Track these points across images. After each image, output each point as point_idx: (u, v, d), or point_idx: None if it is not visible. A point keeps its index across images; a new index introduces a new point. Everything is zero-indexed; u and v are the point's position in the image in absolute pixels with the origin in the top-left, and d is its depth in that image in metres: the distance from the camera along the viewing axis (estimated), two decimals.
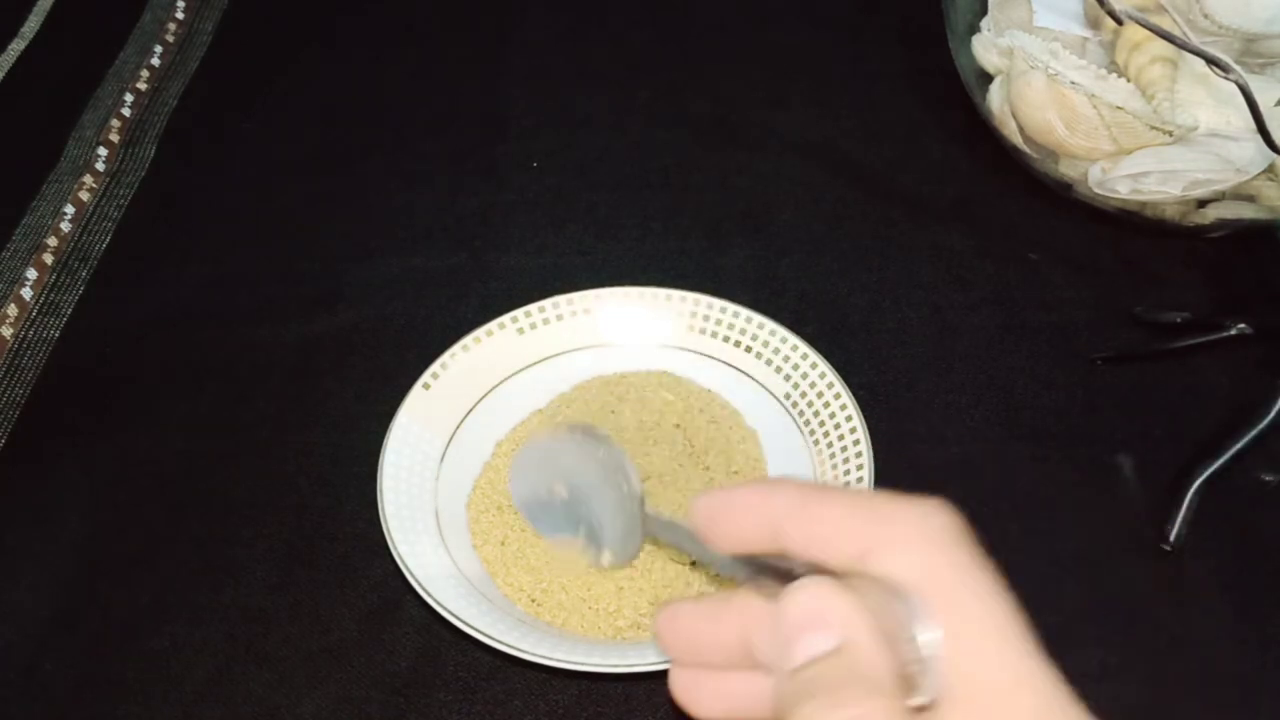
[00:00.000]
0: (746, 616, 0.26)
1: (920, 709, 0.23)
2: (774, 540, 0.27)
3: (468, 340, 0.49)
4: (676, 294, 0.50)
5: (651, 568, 0.43)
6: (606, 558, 0.38)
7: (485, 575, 0.43)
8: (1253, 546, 0.45)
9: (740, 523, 0.27)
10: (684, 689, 0.28)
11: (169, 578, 0.46)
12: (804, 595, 0.24)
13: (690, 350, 0.50)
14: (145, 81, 0.70)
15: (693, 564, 0.43)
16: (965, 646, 0.24)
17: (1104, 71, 0.53)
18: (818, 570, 0.25)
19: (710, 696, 0.28)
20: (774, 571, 0.26)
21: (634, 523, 0.36)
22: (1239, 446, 0.45)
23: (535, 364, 0.50)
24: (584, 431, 0.38)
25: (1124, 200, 0.55)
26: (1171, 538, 0.45)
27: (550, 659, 0.38)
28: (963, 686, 0.23)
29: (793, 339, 0.48)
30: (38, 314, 0.56)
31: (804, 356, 0.47)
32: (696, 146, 0.64)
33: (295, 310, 0.56)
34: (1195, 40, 0.47)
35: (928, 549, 0.25)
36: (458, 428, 0.47)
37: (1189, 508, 0.45)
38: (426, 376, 0.47)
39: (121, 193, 0.63)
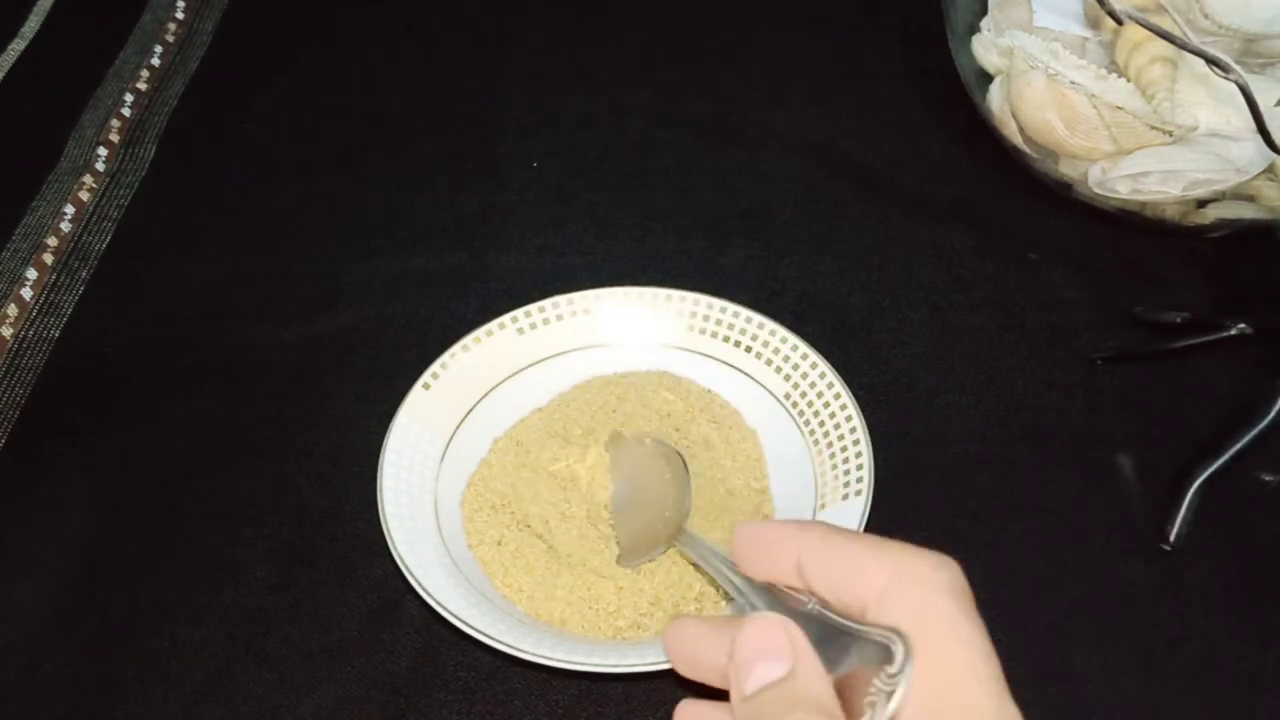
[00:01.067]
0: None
1: None
2: (798, 575, 0.30)
3: (468, 340, 0.49)
4: (676, 294, 0.50)
5: (654, 570, 0.43)
6: (617, 555, 0.43)
7: (484, 576, 0.43)
8: (1253, 546, 0.45)
9: (771, 554, 0.31)
10: (684, 714, 0.32)
11: (169, 578, 0.46)
12: (757, 627, 0.28)
13: (690, 350, 0.50)
14: (145, 81, 0.70)
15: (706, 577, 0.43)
16: (941, 682, 0.26)
17: (1104, 71, 0.53)
18: (828, 607, 0.29)
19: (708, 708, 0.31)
20: (786, 605, 0.30)
21: (657, 535, 0.41)
22: (1239, 446, 0.45)
23: (535, 364, 0.50)
24: (657, 443, 0.44)
25: (1124, 200, 0.55)
26: (1171, 538, 0.45)
27: (550, 659, 0.38)
28: (928, 706, 0.26)
29: (793, 339, 0.48)
30: (38, 314, 0.56)
31: (804, 356, 0.47)
32: (696, 146, 0.64)
33: (295, 310, 0.56)
34: (1195, 40, 0.47)
35: (931, 600, 0.28)
36: (458, 428, 0.47)
37: (1189, 508, 0.45)
38: (426, 376, 0.47)
39: (121, 193, 0.63)
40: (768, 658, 0.27)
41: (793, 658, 0.27)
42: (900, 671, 0.26)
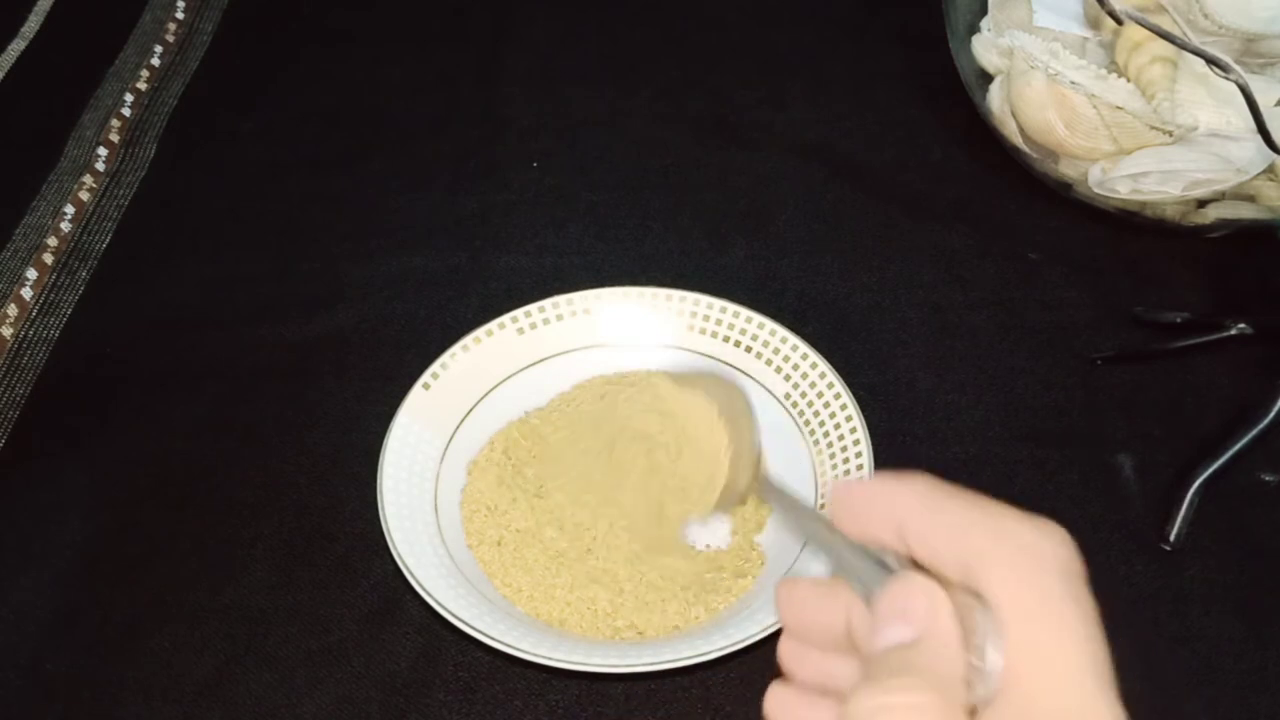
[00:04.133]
0: (854, 602, 0.28)
1: (970, 712, 0.24)
2: (898, 535, 0.28)
3: (468, 340, 0.49)
4: (676, 294, 0.50)
5: (653, 569, 0.43)
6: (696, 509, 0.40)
7: (484, 576, 0.43)
8: (1253, 546, 0.45)
9: (870, 512, 0.29)
10: (789, 657, 0.30)
11: (169, 578, 0.46)
12: (899, 588, 0.26)
13: (690, 350, 0.50)
14: (145, 81, 0.70)
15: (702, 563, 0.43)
16: (1034, 669, 0.24)
17: (1104, 71, 0.53)
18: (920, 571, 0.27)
19: (811, 668, 0.30)
20: (877, 566, 0.28)
21: (722, 475, 0.38)
22: (1239, 446, 0.45)
23: (535, 364, 0.50)
24: (722, 375, 0.40)
25: (1124, 200, 0.55)
26: (1171, 538, 0.45)
27: (550, 659, 0.38)
28: (1019, 703, 0.24)
29: (793, 339, 0.48)
30: (38, 314, 0.56)
31: (804, 356, 0.47)
32: (696, 146, 0.64)
33: (295, 310, 0.56)
34: (1195, 40, 0.47)
35: (1032, 572, 0.25)
36: (458, 428, 0.47)
37: (1189, 508, 0.45)
38: (426, 376, 0.47)
39: (121, 193, 0.63)
40: (904, 619, 0.26)
41: (925, 623, 0.25)
42: (996, 651, 0.24)
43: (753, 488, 0.38)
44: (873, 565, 0.28)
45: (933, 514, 0.27)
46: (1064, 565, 0.26)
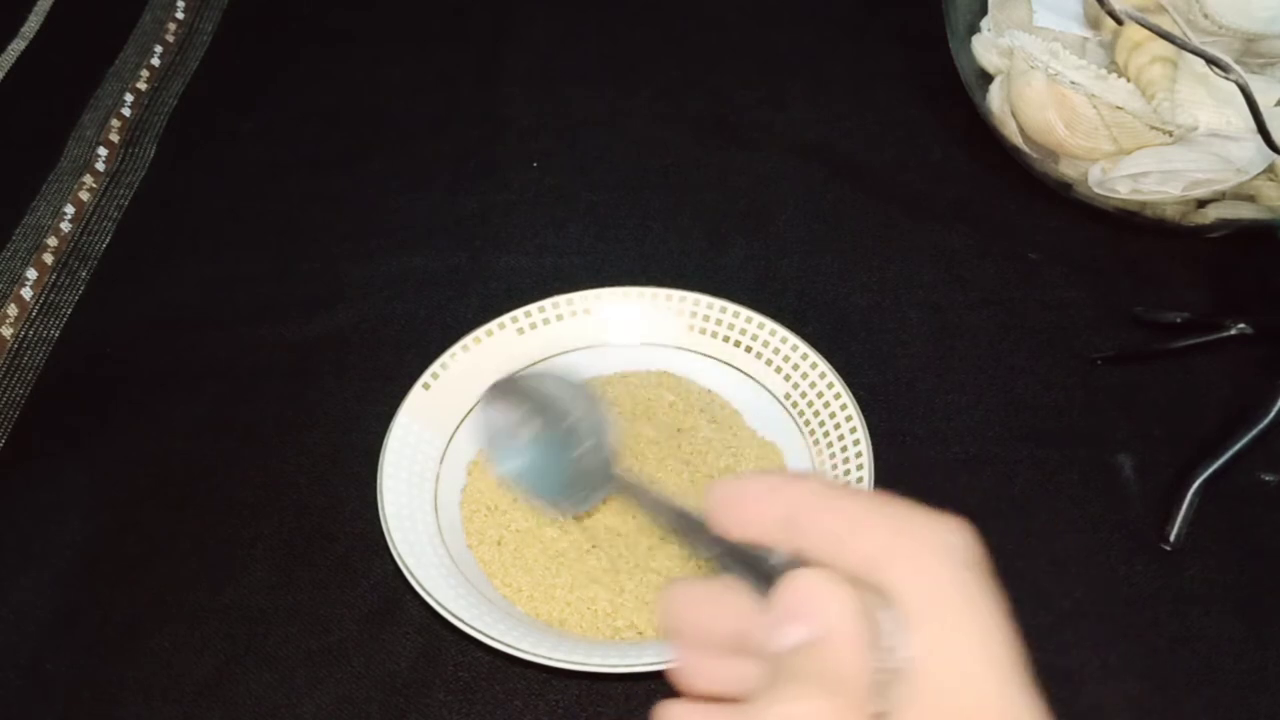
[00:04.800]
0: (746, 603, 0.27)
1: (878, 716, 0.23)
2: (786, 532, 0.26)
3: (468, 340, 0.49)
4: (676, 294, 0.50)
5: (655, 570, 0.43)
6: (560, 503, 0.39)
7: (484, 576, 0.43)
8: (1253, 546, 0.45)
9: (756, 510, 0.27)
10: (681, 667, 0.29)
11: (169, 578, 0.46)
12: (797, 584, 0.25)
13: (690, 350, 0.50)
14: (145, 81, 0.70)
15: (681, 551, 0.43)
16: (945, 665, 0.24)
17: (1104, 71, 0.53)
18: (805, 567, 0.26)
19: (706, 677, 0.28)
20: (754, 566, 0.27)
21: (591, 475, 0.37)
22: (1239, 446, 0.45)
23: (535, 364, 0.49)
24: (560, 374, 0.39)
25: (1124, 200, 0.55)
26: (1171, 538, 0.45)
27: (550, 659, 0.38)
28: (932, 701, 0.23)
29: (793, 339, 0.48)
30: (38, 314, 0.56)
31: (804, 356, 0.47)
32: (696, 146, 0.64)
33: (295, 310, 0.56)
34: (1195, 40, 0.47)
35: (935, 566, 0.25)
36: (458, 428, 0.47)
37: (1189, 508, 0.45)
38: (426, 376, 0.47)
39: (121, 193, 0.63)
40: (804, 617, 0.24)
41: (825, 622, 0.24)
42: (904, 648, 0.23)
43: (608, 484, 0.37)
44: (760, 564, 0.27)
45: (830, 510, 0.26)
46: (967, 558, 0.25)
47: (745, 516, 0.27)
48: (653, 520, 0.33)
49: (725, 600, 0.27)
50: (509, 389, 0.40)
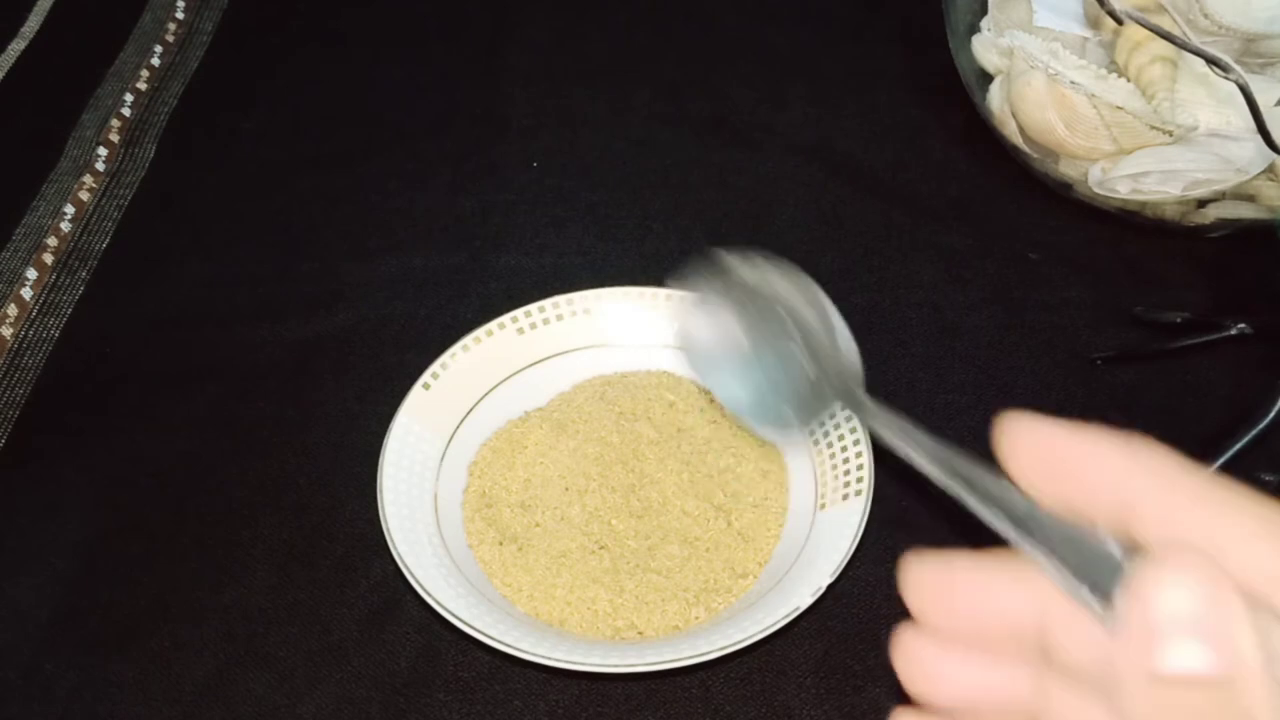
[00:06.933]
0: (1042, 591, 0.21)
1: None
2: (1118, 515, 0.21)
3: (468, 340, 0.49)
4: (676, 294, 0.50)
5: (655, 571, 0.43)
6: (788, 416, 0.32)
7: (484, 576, 0.43)
8: None
9: (1082, 475, 0.21)
10: (919, 662, 0.23)
11: (169, 578, 0.46)
12: (1192, 586, 0.18)
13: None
14: (145, 81, 0.70)
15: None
16: None
17: (1104, 71, 0.53)
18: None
19: (949, 679, 0.22)
20: (1075, 543, 0.20)
21: (819, 385, 0.31)
22: (1239, 446, 0.45)
23: (535, 364, 0.50)
24: (784, 267, 0.33)
25: (1124, 200, 0.55)
26: None
27: (550, 659, 0.38)
28: None
29: None
30: (38, 314, 0.56)
31: None
32: (696, 146, 0.64)
33: (295, 310, 0.56)
34: (1195, 40, 0.47)
35: None
36: (458, 428, 0.47)
37: None
38: (426, 376, 0.47)
39: (121, 193, 0.63)
40: (1202, 636, 0.18)
41: (1234, 648, 0.18)
42: None
43: (834, 395, 0.31)
44: (1087, 542, 0.20)
45: (1199, 506, 0.20)
46: None
47: (1061, 476, 0.21)
48: (908, 459, 0.26)
49: (1018, 585, 0.21)
50: (725, 287, 0.34)
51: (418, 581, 0.40)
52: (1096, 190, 0.55)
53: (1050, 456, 0.22)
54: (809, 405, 0.32)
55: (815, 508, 0.44)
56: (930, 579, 0.23)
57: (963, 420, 0.50)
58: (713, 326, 0.34)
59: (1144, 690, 0.18)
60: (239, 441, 0.50)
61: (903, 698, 0.23)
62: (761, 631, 0.38)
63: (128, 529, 0.47)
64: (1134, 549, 0.20)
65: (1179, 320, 0.52)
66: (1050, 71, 0.53)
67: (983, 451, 0.50)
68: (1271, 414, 0.45)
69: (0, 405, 0.52)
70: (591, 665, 0.38)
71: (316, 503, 0.48)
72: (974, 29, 0.59)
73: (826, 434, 0.45)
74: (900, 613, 0.24)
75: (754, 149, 0.64)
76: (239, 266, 0.59)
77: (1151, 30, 0.47)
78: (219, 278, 0.58)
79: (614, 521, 0.44)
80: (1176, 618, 0.18)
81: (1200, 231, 0.56)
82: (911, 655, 0.23)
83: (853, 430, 0.44)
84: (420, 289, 0.56)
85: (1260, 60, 0.52)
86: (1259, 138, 0.46)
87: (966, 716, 0.22)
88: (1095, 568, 0.20)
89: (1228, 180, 0.51)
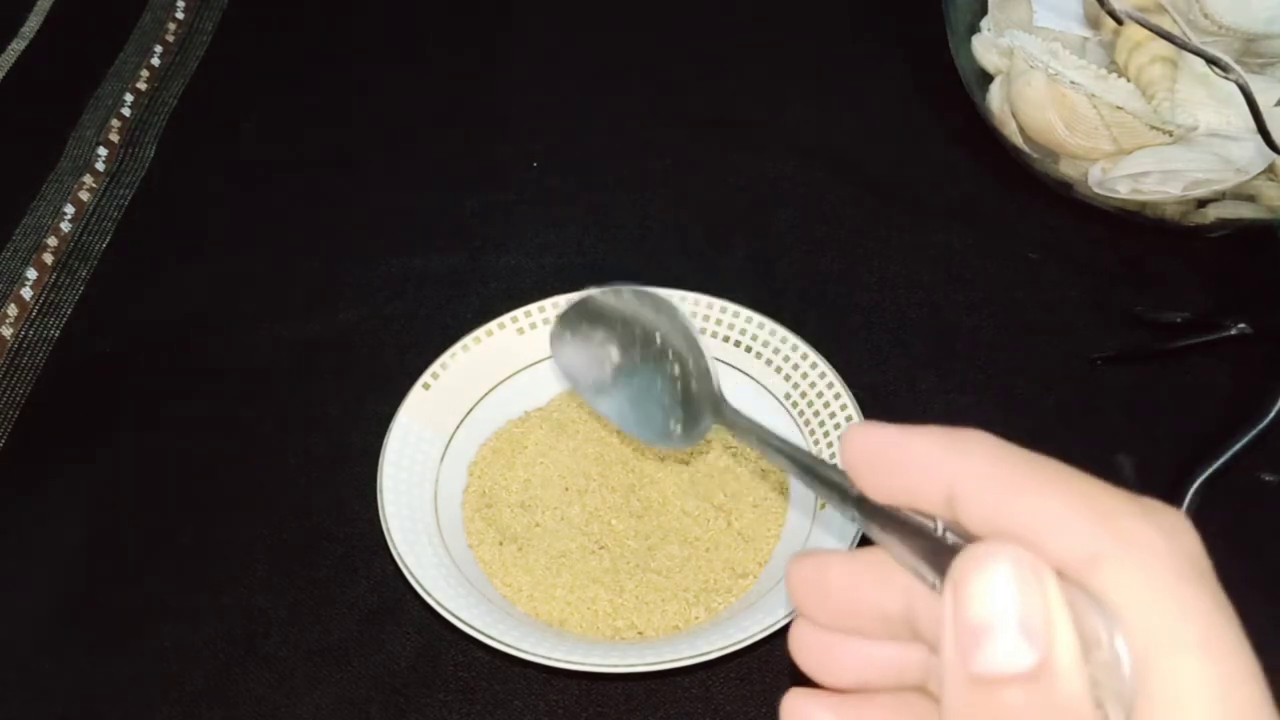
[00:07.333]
0: (899, 579, 0.22)
1: None
2: (947, 507, 0.21)
3: (468, 340, 0.49)
4: (677, 294, 0.50)
5: (656, 571, 0.43)
6: (674, 430, 0.34)
7: (484, 576, 0.43)
8: (1252, 546, 0.45)
9: (910, 475, 0.22)
10: (810, 649, 0.24)
11: (169, 578, 0.46)
12: (999, 581, 0.19)
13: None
14: (145, 81, 0.70)
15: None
16: (1182, 695, 0.19)
17: (1104, 71, 0.53)
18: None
19: (842, 663, 0.24)
20: (913, 534, 0.22)
21: (698, 402, 0.33)
22: (1239, 446, 0.45)
23: (535, 364, 0.50)
24: (645, 293, 0.34)
25: (1124, 200, 0.55)
26: None
27: (550, 659, 0.38)
28: None
29: (793, 339, 0.48)
30: (38, 314, 0.56)
31: (804, 356, 0.47)
32: (696, 146, 0.64)
33: (295, 310, 0.56)
34: (1195, 40, 0.47)
35: (1165, 574, 0.19)
36: (458, 428, 0.47)
37: (1189, 507, 0.45)
38: (426, 376, 0.47)
39: (121, 193, 0.63)
40: (1009, 628, 0.18)
41: (1048, 641, 0.18)
42: (1109, 663, 0.18)
43: (712, 411, 0.32)
44: (922, 533, 0.22)
45: (1014, 489, 0.21)
46: (1205, 565, 0.20)
47: (894, 479, 0.23)
48: (774, 463, 0.28)
49: (884, 578, 0.23)
50: (584, 312, 0.35)
51: (418, 581, 0.40)
52: (1096, 190, 0.55)
53: (883, 457, 0.23)
54: (688, 420, 0.34)
55: (815, 508, 0.44)
56: (810, 577, 0.24)
57: (962, 420, 0.49)
58: (587, 354, 0.36)
59: (964, 692, 0.19)
60: (239, 441, 0.50)
61: (800, 680, 0.25)
62: (761, 631, 0.38)
63: (128, 529, 0.47)
64: (967, 539, 0.21)
65: (1179, 320, 0.52)
66: (1050, 71, 0.53)
67: None
68: (1271, 414, 0.45)
69: (0, 405, 0.52)
70: (591, 665, 0.38)
71: (316, 503, 0.48)
72: (974, 29, 0.59)
73: (826, 434, 0.45)
74: None
75: (754, 149, 0.64)
76: (239, 267, 0.59)
77: (1151, 30, 0.47)
78: (218, 278, 0.58)
79: (614, 521, 0.44)
80: (990, 615, 0.18)
81: (1200, 231, 0.56)
82: (802, 644, 0.24)
83: None
84: (420, 289, 0.56)
85: (1260, 60, 0.52)
86: (1259, 138, 0.46)
87: (862, 693, 0.24)
88: (937, 553, 0.21)
89: (1228, 180, 0.52)
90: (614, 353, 0.36)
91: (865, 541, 0.27)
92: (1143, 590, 0.19)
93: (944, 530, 0.22)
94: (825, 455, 0.45)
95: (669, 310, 0.34)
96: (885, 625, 0.23)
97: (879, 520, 0.23)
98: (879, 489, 0.23)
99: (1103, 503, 0.20)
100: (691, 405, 0.34)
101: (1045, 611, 0.18)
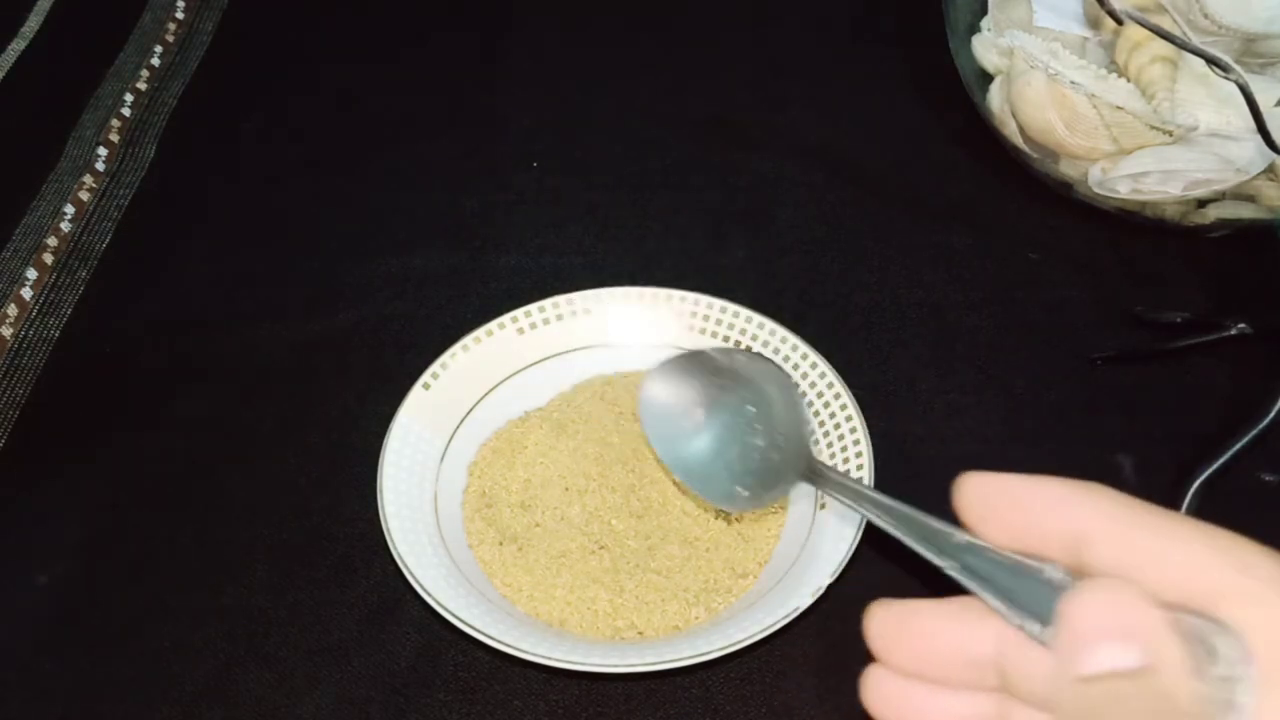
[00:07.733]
0: (991, 626, 0.23)
1: None
2: (1073, 549, 0.23)
3: (468, 340, 0.49)
4: (676, 294, 0.50)
5: (656, 572, 0.43)
6: (740, 494, 0.35)
7: (484, 576, 0.43)
8: None
9: (1035, 516, 0.24)
10: (889, 699, 0.25)
11: (169, 578, 0.46)
12: (1105, 596, 0.21)
13: (690, 350, 0.50)
14: (145, 81, 0.70)
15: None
16: None
17: (1104, 71, 0.53)
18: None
19: (922, 712, 0.25)
20: (1022, 577, 0.23)
21: (780, 466, 0.33)
22: (1239, 446, 0.45)
23: (535, 364, 0.50)
24: (759, 357, 0.35)
25: (1124, 200, 0.55)
26: None
27: (550, 659, 0.38)
28: None
29: (793, 339, 0.48)
30: (38, 314, 0.56)
31: (804, 356, 0.47)
32: (696, 146, 0.64)
33: (295, 310, 0.56)
34: (1195, 40, 0.47)
35: None
36: (458, 428, 0.47)
37: (1189, 508, 0.45)
38: (426, 376, 0.47)
39: (121, 193, 0.63)
40: (1118, 638, 0.20)
41: (1156, 642, 0.20)
42: (1229, 679, 0.20)
43: (797, 475, 0.34)
44: (1032, 575, 0.23)
45: (1141, 529, 0.22)
46: None
47: (1022, 524, 0.24)
48: (867, 517, 0.29)
49: (974, 623, 0.24)
50: (687, 365, 0.36)
51: (418, 581, 0.40)
52: (1096, 190, 0.55)
53: (1005, 500, 0.24)
54: (765, 482, 0.35)
55: (815, 508, 0.44)
56: (893, 624, 0.25)
57: (963, 420, 0.50)
58: (673, 397, 0.36)
59: (1074, 693, 0.21)
60: (239, 441, 0.50)
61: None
62: (761, 631, 0.38)
63: (128, 529, 0.47)
64: (1077, 577, 0.23)
65: (1179, 320, 0.52)
66: (1050, 71, 0.53)
67: (983, 451, 0.50)
68: (1271, 414, 0.45)
69: (0, 405, 0.52)
70: (591, 665, 0.38)
71: (316, 503, 0.48)
72: (974, 29, 0.59)
73: (826, 434, 0.45)
74: None
75: (754, 149, 0.64)
76: (239, 266, 0.59)
77: (1151, 30, 0.47)
78: (219, 278, 0.58)
79: (614, 521, 0.44)
80: (1097, 627, 0.21)
81: (1200, 231, 0.56)
82: (880, 693, 0.25)
83: (853, 431, 0.45)
84: (420, 289, 0.56)
85: (1260, 60, 0.52)
86: (1259, 138, 0.46)
87: None
88: (1040, 598, 0.22)
89: (1228, 180, 0.52)
90: (699, 414, 0.36)
91: (887, 540, 0.27)
92: (1268, 618, 0.21)
93: (1050, 573, 0.23)
94: (825, 456, 0.45)
95: (778, 378, 0.35)
96: (971, 671, 0.24)
97: (981, 567, 0.24)
98: (1001, 530, 0.24)
99: (1226, 542, 0.22)
100: (769, 474, 0.35)
101: (1146, 623, 0.20)
